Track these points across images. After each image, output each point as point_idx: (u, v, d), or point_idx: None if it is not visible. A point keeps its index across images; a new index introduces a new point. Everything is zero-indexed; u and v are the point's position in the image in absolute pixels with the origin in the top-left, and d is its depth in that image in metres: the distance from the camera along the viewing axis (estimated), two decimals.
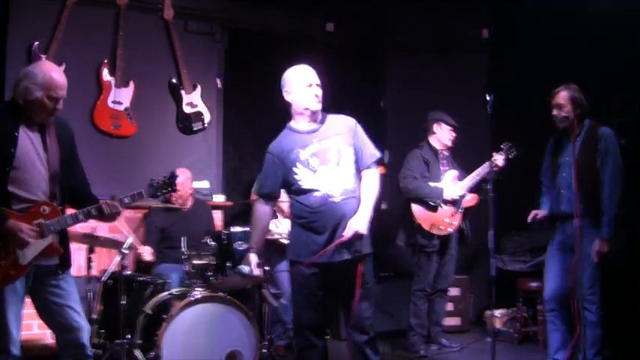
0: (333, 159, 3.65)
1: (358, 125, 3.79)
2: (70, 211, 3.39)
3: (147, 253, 5.21)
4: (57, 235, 3.31)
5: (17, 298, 3.21)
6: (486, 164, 5.20)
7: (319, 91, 3.70)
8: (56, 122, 3.40)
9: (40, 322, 4.57)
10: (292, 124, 3.80)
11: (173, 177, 3.61)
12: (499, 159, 5.16)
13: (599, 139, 4.35)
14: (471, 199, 5.46)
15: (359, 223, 3.54)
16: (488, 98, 4.02)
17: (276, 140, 3.80)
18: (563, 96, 4.37)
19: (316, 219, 3.63)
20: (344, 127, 3.75)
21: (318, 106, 3.70)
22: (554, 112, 4.39)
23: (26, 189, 3.23)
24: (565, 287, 4.35)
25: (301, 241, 3.70)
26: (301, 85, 3.70)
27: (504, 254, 6.15)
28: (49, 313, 3.34)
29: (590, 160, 4.32)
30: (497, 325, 5.83)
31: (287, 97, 3.76)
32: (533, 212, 4.54)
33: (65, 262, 3.38)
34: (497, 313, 5.86)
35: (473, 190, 5.45)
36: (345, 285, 3.65)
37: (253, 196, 5.63)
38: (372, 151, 3.75)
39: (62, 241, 3.37)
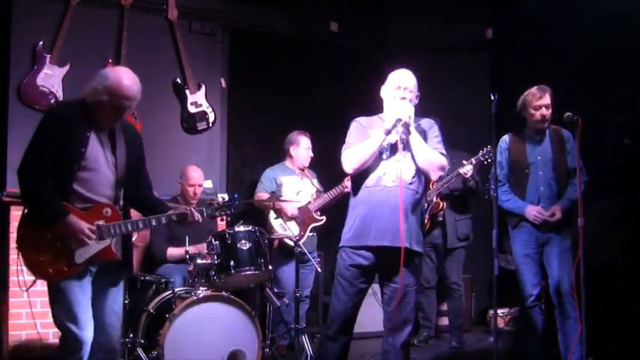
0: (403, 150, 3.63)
1: (435, 126, 3.79)
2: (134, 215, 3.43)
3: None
4: (120, 239, 3.31)
5: (81, 289, 3.19)
6: (454, 175, 5.27)
7: (407, 95, 3.68)
8: (126, 128, 3.42)
9: (43, 321, 4.59)
10: (383, 115, 3.78)
11: (233, 200, 3.65)
12: (469, 170, 5.19)
13: (566, 141, 4.47)
14: (435, 206, 5.52)
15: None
16: (492, 98, 4.01)
17: (364, 117, 3.82)
18: (549, 97, 4.43)
19: (370, 200, 3.60)
20: (425, 126, 3.76)
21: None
22: (544, 111, 4.42)
23: (91, 189, 3.22)
24: (542, 283, 4.47)
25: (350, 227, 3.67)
26: (390, 87, 3.73)
27: (507, 253, 6.13)
28: (95, 308, 3.28)
29: (563, 161, 4.42)
30: (500, 324, 5.83)
31: (381, 94, 3.81)
32: (549, 216, 4.44)
33: (125, 266, 3.40)
34: (500, 312, 5.86)
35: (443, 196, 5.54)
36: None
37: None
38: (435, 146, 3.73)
39: (124, 246, 3.37)
